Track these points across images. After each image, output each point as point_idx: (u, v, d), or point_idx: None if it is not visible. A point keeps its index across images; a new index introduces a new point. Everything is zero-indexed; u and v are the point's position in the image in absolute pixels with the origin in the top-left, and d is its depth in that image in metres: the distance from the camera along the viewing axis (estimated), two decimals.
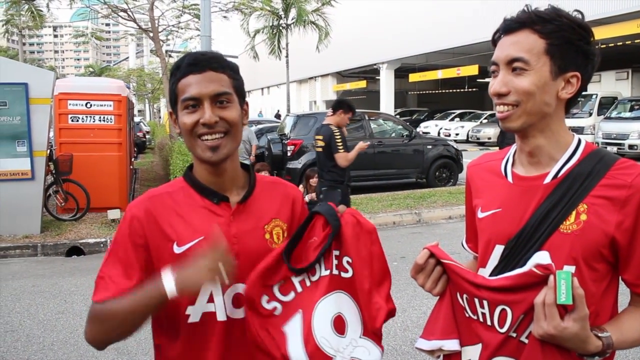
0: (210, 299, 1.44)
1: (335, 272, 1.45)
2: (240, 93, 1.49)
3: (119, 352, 4.43)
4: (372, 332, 1.44)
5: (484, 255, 1.46)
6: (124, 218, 1.48)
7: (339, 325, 1.43)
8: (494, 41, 1.40)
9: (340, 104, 6.15)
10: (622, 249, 1.28)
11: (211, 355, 1.43)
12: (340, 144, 5.84)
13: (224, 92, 1.43)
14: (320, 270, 1.45)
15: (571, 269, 1.28)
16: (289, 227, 1.56)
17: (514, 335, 1.26)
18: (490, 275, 1.40)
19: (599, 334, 1.23)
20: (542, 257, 1.20)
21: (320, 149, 6.03)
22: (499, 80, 1.34)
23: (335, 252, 1.45)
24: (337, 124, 6.05)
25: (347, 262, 1.44)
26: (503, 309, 1.27)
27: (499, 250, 1.40)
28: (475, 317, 1.34)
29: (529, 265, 1.21)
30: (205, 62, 1.43)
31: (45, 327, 5.05)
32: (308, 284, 1.45)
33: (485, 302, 1.30)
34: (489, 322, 1.30)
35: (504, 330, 1.27)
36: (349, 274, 1.44)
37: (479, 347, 1.34)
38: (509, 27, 1.35)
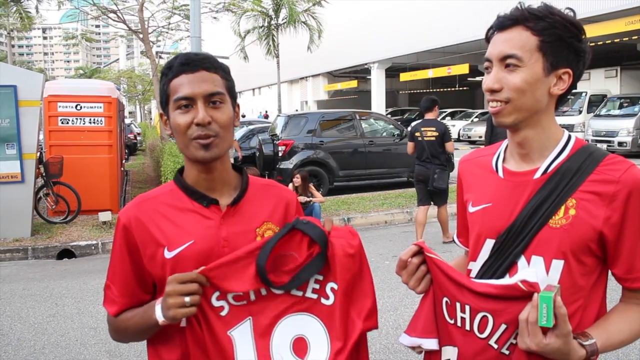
0: None
1: (311, 295, 1.40)
2: (232, 94, 1.48)
3: (111, 355, 4.41)
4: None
5: (474, 250, 1.48)
6: (116, 227, 1.50)
7: (300, 346, 1.39)
8: (487, 38, 1.41)
9: (434, 102, 7.46)
10: (610, 243, 1.30)
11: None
12: (451, 134, 7.36)
13: (217, 92, 1.41)
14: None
15: (559, 263, 1.30)
16: None
17: (495, 346, 1.29)
18: (481, 269, 1.43)
19: (583, 342, 1.24)
20: (529, 274, 1.23)
21: (433, 138, 7.32)
22: (492, 77, 1.35)
23: (318, 277, 1.40)
24: (436, 117, 7.47)
25: (332, 288, 1.40)
26: (484, 316, 1.29)
27: (489, 244, 1.42)
28: (452, 322, 1.36)
29: (515, 279, 1.23)
30: (198, 61, 1.42)
31: (36, 330, 5.02)
32: (264, 293, 1.37)
33: (467, 307, 1.32)
34: (467, 327, 1.33)
35: (484, 335, 1.30)
36: (330, 301, 1.39)
37: (455, 349, 1.37)
38: (502, 24, 1.36)
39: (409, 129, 7.84)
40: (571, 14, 1.35)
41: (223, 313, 1.35)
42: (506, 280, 1.27)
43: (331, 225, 1.41)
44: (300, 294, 1.40)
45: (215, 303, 1.35)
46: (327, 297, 1.40)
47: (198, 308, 1.31)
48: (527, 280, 1.21)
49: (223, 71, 1.47)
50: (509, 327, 1.26)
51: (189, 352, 1.36)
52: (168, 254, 1.43)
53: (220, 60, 1.51)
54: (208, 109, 1.40)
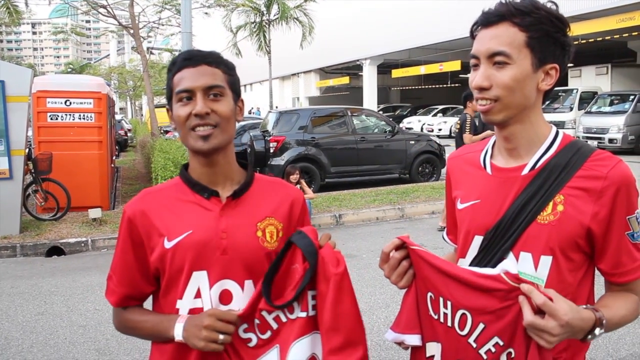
0: (198, 294, 1.46)
1: (312, 313, 1.41)
2: (234, 89, 1.52)
3: (100, 353, 4.37)
4: None
5: (463, 246, 1.47)
6: (121, 219, 1.54)
7: None
8: (472, 34, 1.40)
9: (465, 97, 8.11)
10: (598, 239, 1.31)
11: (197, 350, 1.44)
12: (468, 127, 7.99)
13: (217, 85, 1.46)
14: (297, 310, 1.42)
15: (547, 259, 1.31)
16: (286, 227, 1.54)
17: (474, 345, 1.28)
18: (470, 265, 1.42)
19: (583, 307, 1.23)
20: (509, 265, 1.22)
21: (457, 130, 8.38)
22: (481, 74, 1.34)
23: (312, 292, 1.41)
24: (472, 112, 8.03)
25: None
26: (463, 314, 1.28)
27: (477, 240, 1.42)
28: (436, 317, 1.36)
29: (498, 269, 1.22)
30: (200, 57, 1.47)
31: (24, 329, 4.97)
32: (284, 319, 1.41)
33: (449, 303, 1.31)
34: (449, 323, 1.32)
35: (464, 333, 1.29)
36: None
37: (439, 345, 1.36)
38: (488, 20, 1.34)
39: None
40: (554, 7, 1.34)
41: (251, 345, 1.41)
42: (489, 270, 1.26)
43: (325, 242, 1.41)
44: (304, 314, 1.41)
45: (243, 335, 1.41)
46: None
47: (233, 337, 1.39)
48: (509, 272, 1.20)
49: (225, 66, 1.51)
50: (487, 327, 1.25)
51: None
52: (167, 244, 1.46)
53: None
54: (207, 101, 1.44)
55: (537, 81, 1.34)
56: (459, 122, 8.29)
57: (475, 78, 1.36)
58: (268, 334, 1.41)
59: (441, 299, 1.33)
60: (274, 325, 1.41)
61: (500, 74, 1.32)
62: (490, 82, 1.33)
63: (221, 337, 1.35)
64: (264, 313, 1.40)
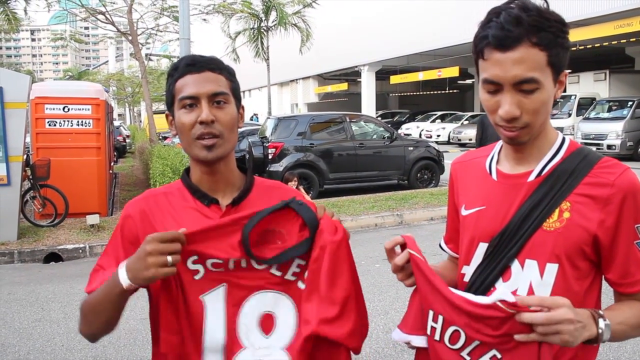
0: None
1: (290, 278, 1.38)
2: (237, 95, 1.50)
3: None
4: (298, 350, 1.32)
5: (467, 253, 1.44)
6: (121, 217, 1.52)
7: (267, 323, 1.37)
8: (481, 54, 1.29)
9: None
10: (605, 247, 1.28)
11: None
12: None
13: (222, 92, 1.43)
14: (272, 267, 1.38)
15: (553, 267, 1.28)
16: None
17: (468, 358, 1.25)
18: (474, 273, 1.40)
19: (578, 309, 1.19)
20: (506, 294, 1.16)
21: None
22: (511, 103, 1.25)
23: (301, 262, 1.37)
24: None
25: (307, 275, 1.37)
26: (456, 330, 1.25)
27: (482, 248, 1.39)
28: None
29: (494, 298, 1.17)
30: (204, 62, 1.45)
31: (21, 335, 4.93)
32: (244, 264, 1.35)
33: (440, 317, 1.28)
34: (437, 337, 1.30)
35: (456, 347, 1.26)
36: (304, 287, 1.37)
37: None
38: (506, 44, 1.23)
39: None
40: (545, 6, 1.27)
41: (197, 277, 1.34)
42: (484, 299, 1.20)
43: (323, 212, 1.39)
44: (279, 274, 1.38)
45: (191, 266, 1.34)
46: (304, 282, 1.38)
47: (179, 268, 1.30)
48: (506, 300, 1.15)
49: (228, 72, 1.49)
50: (481, 344, 1.22)
51: (160, 313, 1.33)
52: None
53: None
54: (212, 108, 1.42)
55: (555, 93, 1.30)
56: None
57: (504, 107, 1.26)
58: (220, 269, 1.35)
59: (431, 312, 1.30)
60: (231, 266, 1.35)
61: (529, 101, 1.25)
62: (520, 110, 1.26)
63: (169, 258, 1.24)
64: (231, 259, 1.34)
